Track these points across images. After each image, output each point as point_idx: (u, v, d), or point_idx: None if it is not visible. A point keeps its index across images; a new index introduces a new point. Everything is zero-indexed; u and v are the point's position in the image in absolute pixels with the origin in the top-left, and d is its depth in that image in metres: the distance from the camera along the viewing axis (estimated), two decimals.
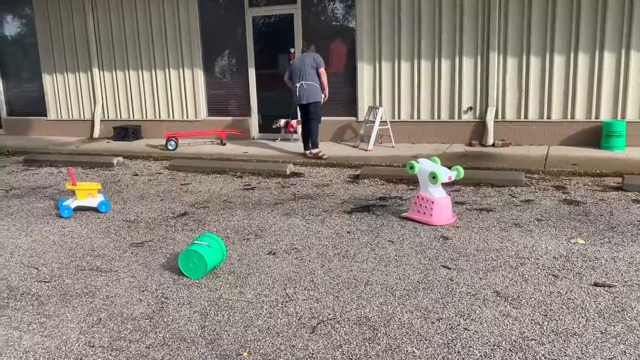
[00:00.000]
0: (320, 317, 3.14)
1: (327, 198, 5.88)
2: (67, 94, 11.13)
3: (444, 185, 4.99)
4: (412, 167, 4.97)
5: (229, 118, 9.98)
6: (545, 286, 3.46)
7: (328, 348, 2.81)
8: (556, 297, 3.31)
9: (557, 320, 3.01)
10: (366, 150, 8.27)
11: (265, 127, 9.70)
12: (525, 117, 8.30)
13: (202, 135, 9.84)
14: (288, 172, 7.17)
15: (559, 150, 7.79)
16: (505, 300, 3.28)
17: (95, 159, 8.49)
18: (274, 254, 4.22)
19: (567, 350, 2.72)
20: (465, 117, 8.58)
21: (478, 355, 2.70)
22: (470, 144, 8.44)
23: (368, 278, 3.68)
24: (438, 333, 2.92)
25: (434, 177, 4.76)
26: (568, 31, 7.84)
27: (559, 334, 2.88)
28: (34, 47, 11.20)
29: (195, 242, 3.84)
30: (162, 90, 10.32)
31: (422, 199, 4.87)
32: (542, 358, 2.65)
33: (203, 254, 3.67)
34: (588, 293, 3.35)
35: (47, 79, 11.21)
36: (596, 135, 7.88)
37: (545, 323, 2.99)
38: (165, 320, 3.17)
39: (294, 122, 9.12)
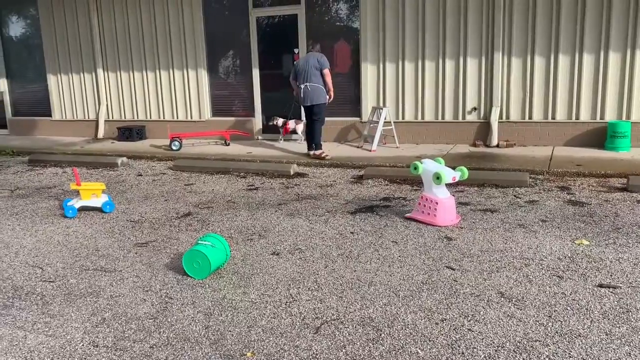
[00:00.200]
0: (324, 318, 3.14)
1: (331, 198, 5.88)
2: (71, 95, 11.17)
3: (448, 185, 4.97)
4: (416, 168, 4.96)
5: (233, 118, 9.99)
6: (550, 287, 3.45)
7: (332, 348, 2.81)
8: (561, 298, 3.30)
9: (561, 322, 3.00)
10: (370, 150, 8.26)
11: (269, 127, 9.70)
12: (530, 117, 8.28)
13: (206, 136, 9.86)
14: (292, 173, 7.17)
15: (564, 150, 7.76)
16: (509, 301, 3.27)
17: (99, 159, 8.51)
18: (277, 254, 4.22)
19: (571, 351, 2.71)
20: (469, 118, 8.56)
21: (482, 356, 2.69)
22: (474, 145, 8.43)
23: (372, 278, 3.68)
24: (442, 334, 2.91)
25: (438, 177, 4.76)
26: (573, 31, 7.81)
27: (564, 335, 2.86)
28: (39, 48, 11.25)
29: (199, 242, 3.84)
30: (166, 90, 10.35)
31: (426, 199, 4.87)
32: (547, 359, 2.65)
33: (207, 254, 3.68)
34: (593, 294, 3.33)
35: (51, 80, 11.25)
36: (601, 136, 7.85)
37: (550, 324, 2.98)
38: (169, 320, 3.18)
39: (290, 123, 9.11)
